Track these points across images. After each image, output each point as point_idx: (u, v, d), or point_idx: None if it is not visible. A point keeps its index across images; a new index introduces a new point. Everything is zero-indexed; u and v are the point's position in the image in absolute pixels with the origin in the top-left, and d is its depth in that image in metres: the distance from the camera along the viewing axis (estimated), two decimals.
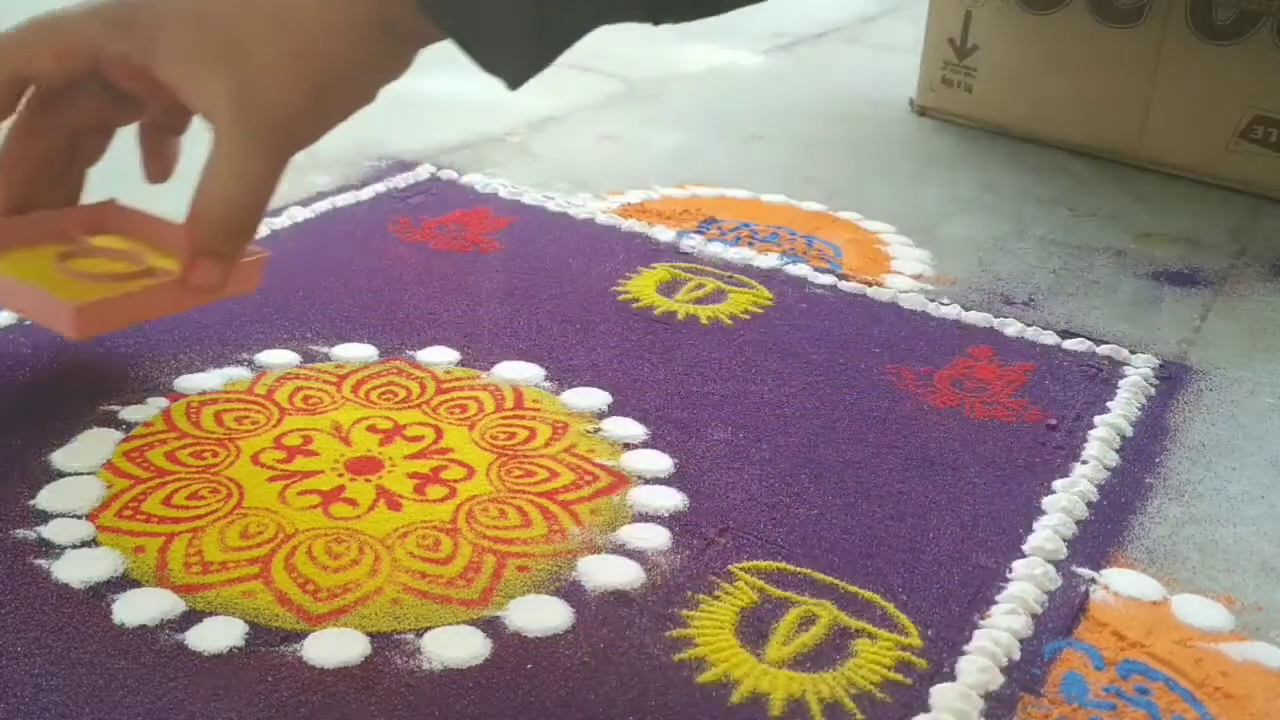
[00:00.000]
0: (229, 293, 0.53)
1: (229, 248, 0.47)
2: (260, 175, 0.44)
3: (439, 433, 0.57)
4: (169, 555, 0.47)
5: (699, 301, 0.72)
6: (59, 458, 0.53)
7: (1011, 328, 0.72)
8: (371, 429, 0.56)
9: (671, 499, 0.53)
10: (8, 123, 0.51)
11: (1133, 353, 0.70)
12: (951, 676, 0.44)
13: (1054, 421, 0.62)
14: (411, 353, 0.64)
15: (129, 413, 0.56)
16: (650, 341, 0.67)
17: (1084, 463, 0.58)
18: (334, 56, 0.42)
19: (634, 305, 0.71)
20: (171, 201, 0.53)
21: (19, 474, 0.52)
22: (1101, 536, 0.53)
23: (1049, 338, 0.71)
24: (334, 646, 0.43)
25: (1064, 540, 0.52)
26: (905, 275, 0.79)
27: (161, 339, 0.63)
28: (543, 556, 0.49)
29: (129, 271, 0.57)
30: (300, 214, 0.80)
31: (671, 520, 0.52)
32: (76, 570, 0.46)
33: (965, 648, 0.46)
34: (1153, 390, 0.66)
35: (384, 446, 0.55)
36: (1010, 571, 0.50)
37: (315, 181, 0.87)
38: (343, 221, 0.80)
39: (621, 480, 0.54)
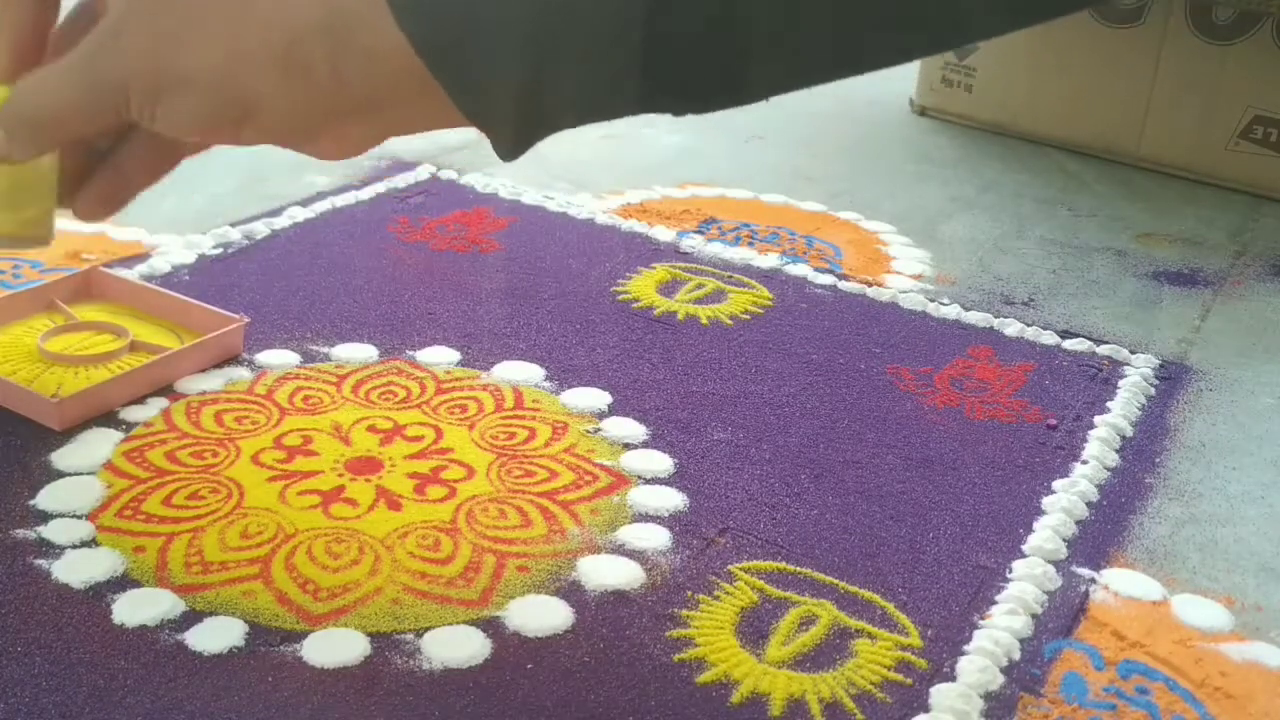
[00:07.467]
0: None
1: (19, 132, 0.44)
2: (72, 95, 0.41)
3: (439, 433, 0.57)
4: (169, 555, 0.47)
5: (699, 301, 0.72)
6: (59, 458, 0.53)
7: (1011, 328, 0.72)
8: (371, 429, 0.56)
9: (671, 499, 0.53)
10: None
11: (1133, 353, 0.70)
12: (951, 676, 0.44)
13: (1054, 421, 0.62)
14: (411, 353, 0.64)
15: (129, 413, 0.56)
16: (650, 341, 0.67)
17: (1084, 463, 0.58)
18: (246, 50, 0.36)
19: (634, 305, 0.71)
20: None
21: (19, 474, 0.52)
22: (1101, 536, 0.53)
23: (1049, 338, 0.71)
24: (334, 646, 0.43)
25: (1064, 540, 0.52)
26: (905, 275, 0.79)
27: None
28: (543, 556, 0.49)
29: (113, 348, 0.60)
30: (300, 214, 0.80)
31: (671, 520, 0.52)
32: (76, 570, 0.46)
33: (965, 648, 0.46)
34: (1153, 390, 0.66)
35: (384, 446, 0.55)
36: (1010, 571, 0.50)
37: (315, 181, 0.87)
38: (343, 221, 0.80)
39: (621, 480, 0.54)
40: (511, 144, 0.37)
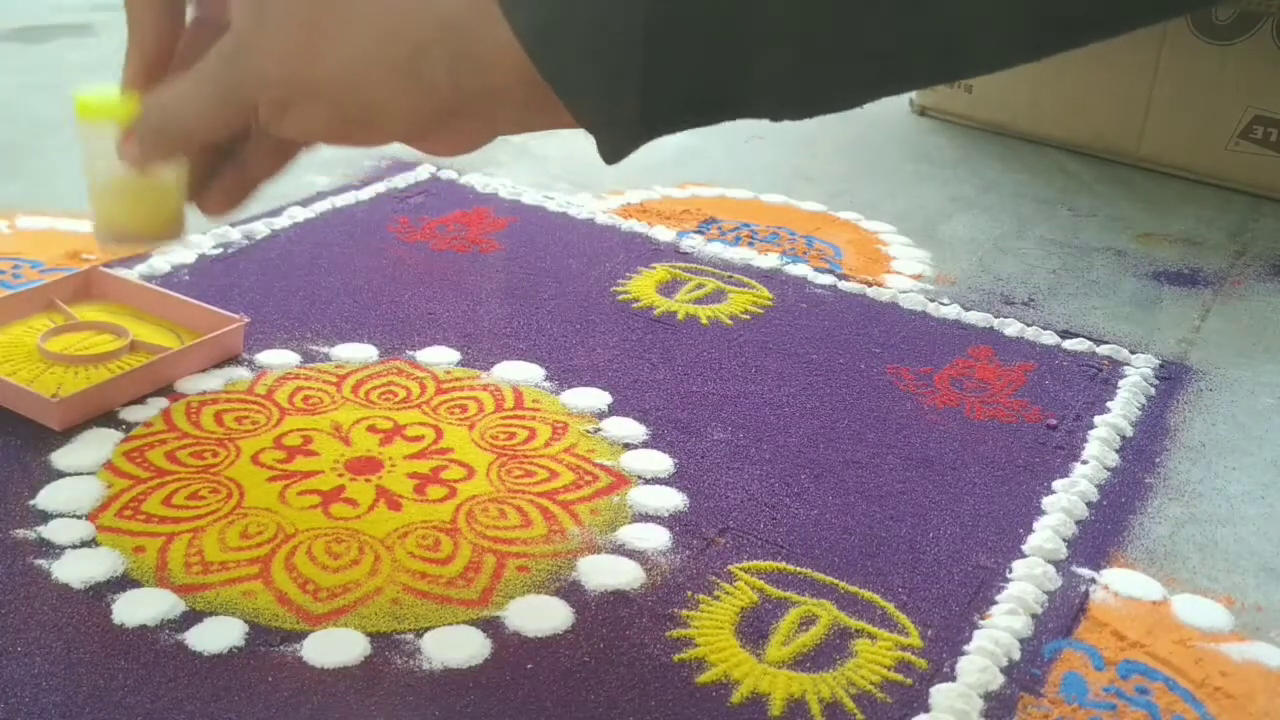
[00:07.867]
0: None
1: (153, 143, 0.45)
2: (202, 108, 0.42)
3: (439, 433, 0.57)
4: (169, 555, 0.47)
5: (699, 301, 0.72)
6: (59, 458, 0.53)
7: (1011, 328, 0.72)
8: (371, 429, 0.56)
9: (671, 499, 0.53)
10: None
11: (1133, 353, 0.70)
12: (951, 676, 0.44)
13: (1054, 421, 0.62)
14: (411, 353, 0.64)
15: (129, 413, 0.56)
16: (650, 341, 0.67)
17: (1084, 463, 0.58)
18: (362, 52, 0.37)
19: (634, 305, 0.71)
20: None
21: (19, 474, 0.52)
22: (1101, 536, 0.53)
23: (1049, 338, 0.71)
24: (334, 646, 0.43)
25: (1064, 540, 0.52)
26: (905, 275, 0.79)
27: None
28: (543, 556, 0.49)
29: (113, 348, 0.60)
30: (300, 214, 0.80)
31: (671, 520, 0.52)
32: (76, 570, 0.46)
33: (965, 648, 0.46)
34: (1153, 390, 0.66)
35: (384, 446, 0.55)
36: (1010, 571, 0.50)
37: (315, 181, 0.87)
38: (343, 221, 0.80)
39: (621, 480, 0.54)
40: (611, 146, 0.37)
